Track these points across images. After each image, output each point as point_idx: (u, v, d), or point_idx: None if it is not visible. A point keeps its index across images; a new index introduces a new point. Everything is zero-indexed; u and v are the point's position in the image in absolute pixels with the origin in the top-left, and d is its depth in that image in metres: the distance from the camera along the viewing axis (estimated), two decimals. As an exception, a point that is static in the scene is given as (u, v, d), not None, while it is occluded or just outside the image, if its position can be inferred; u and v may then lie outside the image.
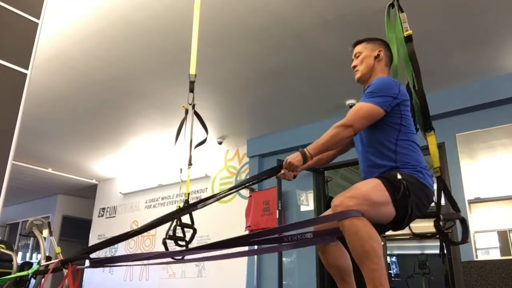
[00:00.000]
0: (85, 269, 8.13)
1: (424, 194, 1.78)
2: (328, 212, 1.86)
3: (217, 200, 2.03)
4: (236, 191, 2.08)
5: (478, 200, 4.34)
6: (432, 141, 1.96)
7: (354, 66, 2.14)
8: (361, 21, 3.62)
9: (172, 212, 2.09)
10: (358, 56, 2.14)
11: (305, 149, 1.84)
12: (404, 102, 1.91)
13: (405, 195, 1.69)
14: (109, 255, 7.85)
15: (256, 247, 2.06)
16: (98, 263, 1.92)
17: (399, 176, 1.72)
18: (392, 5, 2.26)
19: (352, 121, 1.83)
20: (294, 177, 1.92)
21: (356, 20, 3.61)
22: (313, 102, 5.12)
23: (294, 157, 1.83)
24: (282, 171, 1.89)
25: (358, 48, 2.17)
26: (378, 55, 2.09)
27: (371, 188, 1.71)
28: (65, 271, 1.79)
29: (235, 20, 3.67)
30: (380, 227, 1.73)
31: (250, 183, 2.10)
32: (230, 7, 3.50)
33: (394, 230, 1.85)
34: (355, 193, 1.67)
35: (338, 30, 3.76)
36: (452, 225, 1.91)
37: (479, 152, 4.49)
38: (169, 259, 2.15)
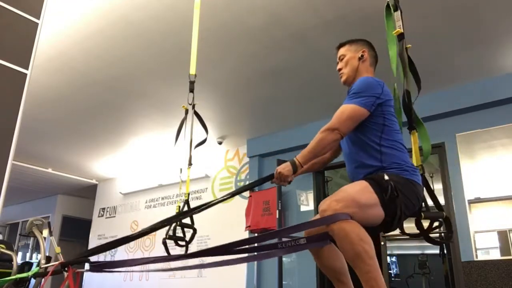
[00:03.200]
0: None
1: (412, 193, 1.75)
2: (317, 216, 1.83)
3: (214, 205, 2.04)
4: (230, 196, 2.09)
5: (478, 200, 4.34)
6: (414, 140, 1.95)
7: (339, 69, 2.14)
8: (361, 21, 3.62)
9: (172, 216, 2.08)
10: (342, 59, 2.15)
11: (294, 158, 1.84)
12: (387, 102, 1.90)
13: (393, 195, 1.65)
14: (109, 256, 7.86)
15: (246, 254, 2.05)
16: (98, 267, 1.92)
17: (386, 177, 1.69)
18: (388, 5, 2.25)
19: (338, 124, 1.82)
20: (289, 182, 1.93)
21: (356, 20, 3.61)
22: (313, 102, 5.12)
23: (283, 167, 1.84)
24: (276, 176, 1.90)
25: (341, 51, 2.18)
26: (362, 55, 2.10)
27: (359, 191, 1.69)
28: (65, 274, 1.78)
29: (235, 20, 3.67)
30: (370, 230, 1.69)
31: (243, 190, 2.10)
32: (230, 7, 3.50)
33: (384, 232, 1.83)
34: (342, 196, 1.64)
35: (338, 30, 3.76)
36: (439, 225, 1.89)
37: (479, 152, 4.49)
38: (167, 266, 2.16)
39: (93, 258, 1.92)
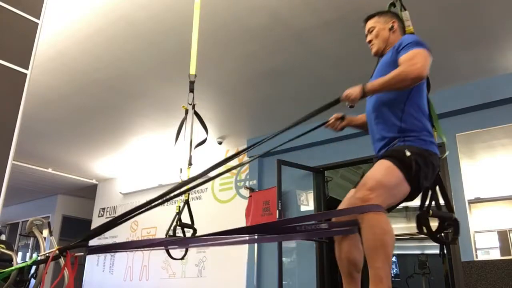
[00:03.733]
0: (85, 269, 8.13)
1: (430, 163, 1.81)
2: (343, 204, 1.90)
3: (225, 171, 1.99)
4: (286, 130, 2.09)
5: (478, 200, 4.34)
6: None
7: (370, 41, 2.17)
8: (361, 21, 3.60)
9: (179, 184, 2.05)
10: (371, 31, 2.17)
11: (365, 84, 1.85)
12: None
13: (417, 170, 1.74)
14: (108, 256, 7.86)
15: (263, 235, 2.05)
16: (96, 250, 1.91)
17: (407, 153, 1.75)
18: (393, 4, 2.27)
19: (422, 62, 1.80)
20: (341, 129, 2.06)
21: (356, 20, 3.59)
22: (313, 102, 5.08)
23: (353, 89, 1.87)
24: (331, 120, 2.07)
25: (370, 23, 2.19)
26: (392, 26, 2.13)
27: (385, 174, 1.73)
28: (63, 262, 1.79)
29: (235, 20, 3.67)
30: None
31: (307, 118, 2.14)
32: (230, 7, 3.50)
33: (406, 201, 1.89)
34: (373, 185, 1.69)
35: (338, 30, 3.76)
36: (449, 226, 1.91)
37: (479, 152, 4.49)
38: (173, 248, 2.14)
39: (93, 260, 1.91)
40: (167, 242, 2.03)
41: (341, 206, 1.94)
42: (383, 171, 1.76)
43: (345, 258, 1.89)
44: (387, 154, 1.82)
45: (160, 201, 1.87)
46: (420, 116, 1.89)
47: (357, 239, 1.87)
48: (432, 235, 1.93)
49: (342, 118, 2.20)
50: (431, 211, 1.87)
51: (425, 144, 1.83)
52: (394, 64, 1.91)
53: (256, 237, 1.97)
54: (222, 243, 1.94)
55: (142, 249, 1.92)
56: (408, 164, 1.73)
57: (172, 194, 1.93)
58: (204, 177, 2.05)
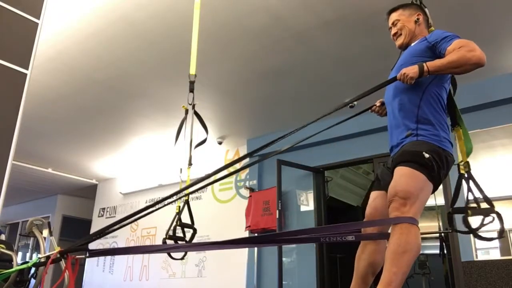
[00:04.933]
0: (85, 269, 8.13)
1: (445, 161, 1.84)
2: (372, 215, 1.93)
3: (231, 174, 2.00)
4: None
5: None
6: (459, 136, 2.02)
7: (395, 34, 2.16)
8: (361, 21, 3.62)
9: (181, 189, 2.06)
10: (396, 24, 2.15)
11: (424, 63, 1.83)
12: None
13: (439, 169, 1.80)
14: (108, 257, 7.85)
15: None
16: (97, 253, 1.92)
17: (426, 155, 1.77)
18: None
19: (478, 49, 1.82)
20: (386, 114, 2.06)
21: (356, 20, 3.61)
22: (313, 102, 5.11)
23: (410, 69, 1.84)
24: (377, 105, 2.11)
25: (394, 16, 2.17)
26: (418, 18, 2.12)
27: (412, 182, 1.75)
28: (63, 264, 1.79)
29: (235, 21, 3.67)
30: None
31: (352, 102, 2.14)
32: (230, 8, 3.50)
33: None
34: (404, 196, 1.71)
35: (338, 30, 3.76)
36: (491, 221, 1.93)
37: (479, 152, 4.49)
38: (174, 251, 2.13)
39: (93, 260, 1.91)
40: (167, 247, 2.02)
41: (369, 213, 1.96)
42: (409, 179, 1.78)
43: (366, 259, 1.90)
44: (404, 160, 1.82)
45: (161, 205, 1.87)
46: (437, 106, 1.91)
47: (383, 245, 1.89)
48: (474, 233, 1.95)
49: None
50: (469, 211, 1.89)
51: (439, 141, 1.85)
52: (425, 54, 1.93)
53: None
54: (243, 246, 1.94)
55: (141, 253, 1.93)
56: (429, 166, 1.77)
57: (173, 198, 1.92)
58: (205, 181, 2.03)
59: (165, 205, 1.87)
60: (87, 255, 1.85)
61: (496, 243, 4.16)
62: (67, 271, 1.74)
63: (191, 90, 2.67)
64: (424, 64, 1.82)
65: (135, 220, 1.84)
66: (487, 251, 4.19)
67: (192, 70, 2.71)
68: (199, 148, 2.70)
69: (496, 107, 4.42)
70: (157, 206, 1.84)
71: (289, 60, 4.26)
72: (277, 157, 5.61)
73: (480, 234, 1.96)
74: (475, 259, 4.12)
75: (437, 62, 1.82)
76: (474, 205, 1.94)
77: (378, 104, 2.26)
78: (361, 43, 3.95)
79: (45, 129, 6.10)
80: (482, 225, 1.93)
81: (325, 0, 3.40)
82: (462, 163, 2.01)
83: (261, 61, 4.29)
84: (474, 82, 4.51)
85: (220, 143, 6.41)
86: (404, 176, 1.79)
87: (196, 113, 2.69)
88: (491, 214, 1.93)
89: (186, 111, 2.69)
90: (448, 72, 1.89)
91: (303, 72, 4.49)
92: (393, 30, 2.16)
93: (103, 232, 1.85)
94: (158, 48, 4.09)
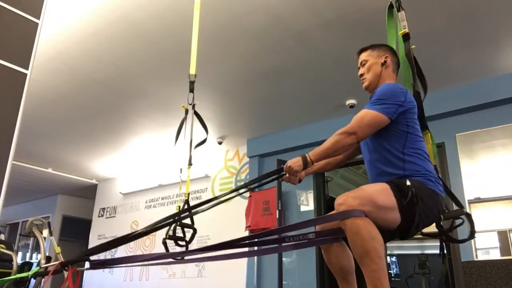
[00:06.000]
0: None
1: (433, 201, 1.74)
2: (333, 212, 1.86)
3: (217, 204, 2.03)
4: (237, 194, 2.08)
5: (478, 200, 4.34)
6: (427, 140, 1.96)
7: (361, 75, 2.09)
8: (361, 21, 3.62)
9: (173, 214, 2.07)
10: (364, 64, 2.09)
11: (306, 154, 1.82)
12: (411, 110, 1.86)
13: (413, 202, 1.65)
14: (109, 256, 7.85)
15: (256, 248, 2.06)
16: (98, 265, 1.93)
17: (408, 183, 1.69)
18: (391, 5, 2.25)
19: (356, 129, 1.79)
20: (300, 181, 1.92)
21: (356, 20, 3.61)
22: (313, 102, 5.12)
23: (294, 162, 1.81)
24: (286, 175, 1.88)
25: (363, 56, 2.12)
26: (385, 61, 2.03)
27: (378, 191, 1.69)
28: (65, 273, 1.79)
29: (235, 20, 3.67)
30: (386, 235, 1.69)
31: (251, 185, 2.09)
32: (230, 8, 3.50)
33: (400, 239, 1.82)
34: (360, 194, 1.65)
35: (338, 30, 3.76)
36: (461, 223, 1.91)
37: (479, 152, 4.49)
38: (170, 260, 2.15)
39: (93, 258, 1.92)
40: (168, 256, 2.03)
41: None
42: (376, 187, 1.72)
43: (335, 265, 1.88)
44: (388, 181, 1.76)
45: (162, 223, 1.89)
46: (422, 162, 1.81)
47: (343, 245, 1.87)
48: (448, 236, 1.92)
49: None
50: (442, 216, 1.83)
51: (433, 184, 1.76)
52: None
53: (247, 250, 1.96)
54: (218, 257, 1.94)
55: (143, 262, 1.94)
56: (405, 193, 1.66)
57: (175, 218, 1.94)
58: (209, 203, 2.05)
59: (170, 223, 1.88)
60: (89, 267, 1.86)
61: (496, 243, 4.16)
62: (67, 282, 1.74)
63: (191, 90, 2.67)
64: (307, 154, 1.81)
65: (136, 238, 1.85)
66: (487, 251, 4.19)
67: (192, 70, 2.71)
68: (199, 148, 2.70)
69: (496, 107, 4.42)
70: (161, 224, 1.85)
71: (289, 60, 4.26)
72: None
73: (451, 236, 1.94)
74: (475, 259, 4.12)
75: (318, 151, 1.81)
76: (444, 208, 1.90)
77: (287, 174, 1.95)
78: (361, 43, 3.94)
79: (45, 129, 6.10)
80: (452, 227, 1.90)
81: (325, 0, 3.40)
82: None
83: (261, 61, 4.29)
84: (474, 82, 4.51)
85: (220, 143, 6.41)
86: (374, 185, 1.76)
87: (196, 113, 2.69)
88: (461, 216, 1.90)
89: (186, 111, 2.69)
90: (330, 157, 1.91)
91: (303, 72, 4.49)
92: (360, 71, 2.11)
93: (105, 248, 1.86)
94: (158, 48, 4.09)
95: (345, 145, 1.80)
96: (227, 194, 2.03)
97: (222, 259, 1.96)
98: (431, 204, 1.72)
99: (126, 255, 7.48)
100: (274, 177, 2.00)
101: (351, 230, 1.58)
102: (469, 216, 1.92)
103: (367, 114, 1.82)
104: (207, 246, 1.83)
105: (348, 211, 1.59)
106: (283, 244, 1.84)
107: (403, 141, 1.83)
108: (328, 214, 1.85)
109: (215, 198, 2.06)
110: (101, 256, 7.95)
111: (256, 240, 1.95)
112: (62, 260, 1.94)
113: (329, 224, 1.86)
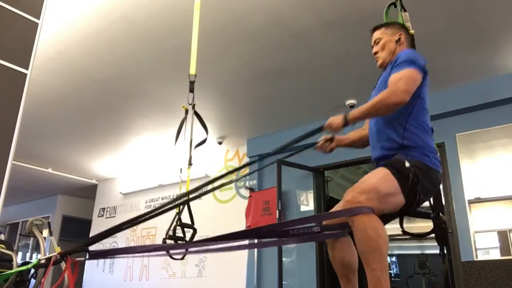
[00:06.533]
0: (85, 269, 8.13)
1: (430, 179, 1.77)
2: (338, 207, 1.86)
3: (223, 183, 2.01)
4: (260, 168, 2.09)
5: (478, 200, 4.34)
6: None
7: (375, 53, 2.10)
8: (361, 21, 3.62)
9: (182, 194, 2.06)
10: (378, 42, 2.10)
11: (348, 113, 1.81)
12: (426, 76, 1.89)
13: (414, 183, 1.69)
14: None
15: (256, 240, 2.06)
16: (97, 255, 1.92)
17: (407, 164, 1.71)
18: (393, 4, 2.25)
19: (405, 85, 1.76)
20: (331, 150, 1.98)
21: (356, 20, 3.61)
22: (313, 102, 5.12)
23: (335, 118, 1.82)
24: (320, 143, 1.99)
25: (377, 34, 2.12)
26: (399, 38, 2.06)
27: (380, 180, 1.70)
28: (64, 265, 1.79)
29: (235, 21, 3.67)
30: (388, 218, 1.74)
31: (293, 145, 2.06)
32: (230, 8, 3.50)
33: (400, 216, 1.86)
34: (365, 187, 1.66)
35: (338, 30, 3.76)
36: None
37: (479, 152, 4.49)
38: (168, 252, 2.14)
39: (93, 260, 1.91)
40: (167, 247, 2.02)
41: (336, 209, 1.91)
42: (378, 176, 1.73)
43: (338, 261, 1.88)
44: (386, 164, 1.78)
45: (162, 209, 1.87)
46: (422, 133, 1.84)
47: (349, 241, 1.86)
48: (445, 239, 1.95)
49: (331, 140, 2.11)
50: (442, 216, 1.88)
51: (428, 159, 1.79)
52: None
53: (247, 242, 1.96)
54: (219, 249, 1.93)
55: (142, 254, 1.93)
56: (405, 175, 1.69)
57: (175, 203, 1.93)
58: (207, 184, 2.04)
59: (166, 210, 1.87)
60: (87, 257, 1.85)
61: (496, 243, 4.16)
62: (67, 273, 1.74)
63: (191, 90, 2.67)
64: (348, 114, 1.80)
65: (138, 223, 1.84)
66: (487, 251, 4.19)
67: (192, 70, 2.71)
68: (199, 148, 2.70)
69: (496, 107, 4.42)
70: (159, 211, 1.84)
71: (289, 60, 4.26)
72: (277, 157, 5.61)
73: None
74: (475, 259, 4.12)
75: (360, 110, 1.79)
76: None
77: (321, 141, 2.12)
78: (361, 43, 3.94)
79: (45, 129, 6.10)
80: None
81: (325, 0, 3.40)
82: None
83: (261, 61, 4.29)
84: (474, 82, 4.51)
85: (220, 143, 6.41)
86: (375, 173, 1.76)
87: (196, 113, 2.69)
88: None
89: (186, 111, 2.69)
90: (371, 117, 1.90)
91: (303, 72, 4.49)
92: (374, 49, 2.12)
93: (104, 236, 1.85)
94: (158, 48, 4.09)
95: (389, 104, 1.75)
96: (245, 166, 2.04)
97: (223, 251, 1.96)
98: (428, 182, 1.76)
99: (125, 254, 7.48)
100: (309, 144, 2.01)
101: (358, 227, 1.60)
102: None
103: (409, 72, 1.81)
104: (208, 238, 1.81)
105: (356, 208, 1.61)
106: (288, 238, 1.83)
107: (411, 107, 1.84)
108: (336, 210, 1.84)
109: (224, 175, 2.07)
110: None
111: (259, 232, 1.95)
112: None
113: (335, 220, 1.85)
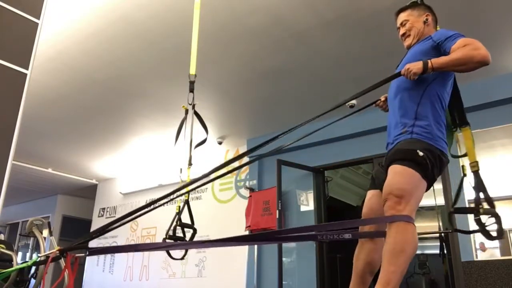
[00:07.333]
0: (85, 269, 8.13)
1: (439, 159, 1.84)
2: (367, 212, 1.92)
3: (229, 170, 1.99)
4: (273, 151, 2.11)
5: (478, 200, 4.33)
6: (467, 136, 2.01)
7: (403, 34, 2.14)
8: (361, 21, 3.62)
9: (183, 185, 2.07)
10: (404, 24, 2.14)
11: (429, 60, 1.83)
12: None
13: (432, 166, 1.80)
14: (109, 256, 7.85)
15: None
16: (96, 251, 1.93)
17: (420, 153, 1.78)
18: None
19: (483, 48, 1.85)
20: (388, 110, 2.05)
21: (356, 20, 3.61)
22: (313, 102, 5.11)
23: (415, 64, 1.84)
24: (381, 101, 2.10)
25: (403, 16, 2.16)
26: (427, 19, 2.10)
27: (406, 179, 1.76)
28: (63, 264, 1.79)
29: (235, 21, 3.67)
30: None
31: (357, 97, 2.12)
32: (230, 8, 3.50)
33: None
34: (399, 194, 1.71)
35: (338, 30, 3.76)
36: (493, 222, 1.96)
37: (479, 152, 4.46)
38: (167, 249, 2.14)
39: (93, 260, 1.92)
40: (167, 245, 2.03)
41: (365, 212, 1.96)
42: (403, 178, 1.78)
43: (363, 259, 1.90)
44: (398, 158, 1.82)
45: (162, 202, 1.87)
46: (437, 104, 1.91)
47: (380, 244, 1.88)
48: (486, 231, 1.99)
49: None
50: (481, 210, 1.92)
51: (433, 139, 1.85)
52: (430, 53, 1.92)
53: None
54: (244, 243, 1.96)
55: (141, 251, 1.93)
56: (423, 164, 1.77)
57: (174, 195, 1.92)
58: (205, 179, 2.04)
59: (165, 203, 1.87)
60: (87, 253, 1.86)
61: (496, 243, 4.16)
62: (66, 269, 1.74)
63: (191, 90, 2.67)
64: (429, 60, 1.82)
65: (135, 218, 1.84)
66: (487, 251, 4.18)
67: (192, 70, 2.71)
68: (199, 148, 2.70)
69: (496, 107, 4.42)
70: (157, 204, 1.84)
71: (289, 60, 4.26)
72: (277, 157, 5.62)
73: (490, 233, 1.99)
74: (475, 259, 4.12)
75: (441, 59, 1.82)
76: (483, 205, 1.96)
77: (382, 99, 2.24)
78: (361, 43, 3.95)
79: (45, 129, 6.10)
80: (484, 225, 1.96)
81: (325, 0, 3.40)
82: (471, 163, 2.02)
83: (261, 61, 4.29)
84: (474, 82, 4.51)
85: (220, 143, 6.41)
86: (398, 174, 1.79)
87: (196, 113, 2.69)
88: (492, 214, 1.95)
89: (186, 111, 2.69)
90: (452, 70, 1.89)
91: (303, 72, 4.48)
92: (402, 31, 2.15)
93: (103, 231, 1.85)
94: (158, 48, 4.09)
95: (475, 61, 1.81)
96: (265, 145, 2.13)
97: (227, 245, 1.96)
98: (437, 160, 1.85)
99: (125, 254, 7.48)
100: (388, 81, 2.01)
101: (396, 229, 1.65)
102: (498, 216, 2.02)
103: (472, 39, 1.90)
104: (225, 238, 1.82)
105: (399, 216, 1.67)
106: (314, 241, 1.87)
107: (431, 79, 1.91)
108: (380, 217, 1.88)
109: (226, 163, 2.09)
110: (101, 256, 7.93)
111: (287, 235, 1.96)
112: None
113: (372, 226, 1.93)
